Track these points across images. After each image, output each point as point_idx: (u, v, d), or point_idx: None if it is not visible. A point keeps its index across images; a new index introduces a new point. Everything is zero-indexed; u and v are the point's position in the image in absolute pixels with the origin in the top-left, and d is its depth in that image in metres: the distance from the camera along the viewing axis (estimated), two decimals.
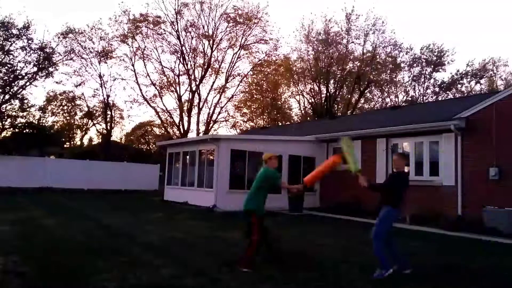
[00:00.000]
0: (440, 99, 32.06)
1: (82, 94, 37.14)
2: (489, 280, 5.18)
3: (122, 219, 10.11)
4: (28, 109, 26.44)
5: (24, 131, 25.28)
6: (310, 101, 33.73)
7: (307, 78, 32.71)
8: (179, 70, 31.67)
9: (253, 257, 5.17)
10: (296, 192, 5.81)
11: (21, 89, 25.65)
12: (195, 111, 32.22)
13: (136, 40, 30.68)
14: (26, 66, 25.33)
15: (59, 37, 28.12)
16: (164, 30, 30.78)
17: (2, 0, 40.15)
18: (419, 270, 5.54)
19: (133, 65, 31.22)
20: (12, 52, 24.38)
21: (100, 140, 36.84)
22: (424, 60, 33.69)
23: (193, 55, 31.49)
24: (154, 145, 37.42)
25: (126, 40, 30.76)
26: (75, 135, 42.51)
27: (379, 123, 14.32)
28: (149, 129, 39.30)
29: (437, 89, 34.75)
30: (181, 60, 31.24)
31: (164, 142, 19.60)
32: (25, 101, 25.64)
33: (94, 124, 36.72)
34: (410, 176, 12.21)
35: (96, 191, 19.98)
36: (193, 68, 31.81)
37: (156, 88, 31.89)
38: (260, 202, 5.36)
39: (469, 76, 34.66)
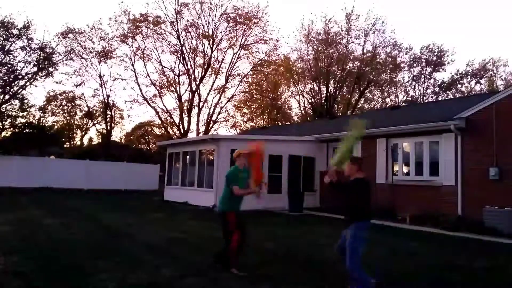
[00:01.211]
0: (440, 99, 32.06)
1: (82, 94, 37.34)
2: (489, 280, 5.18)
3: (122, 219, 10.11)
4: (28, 109, 26.47)
5: (24, 131, 25.28)
6: (310, 101, 33.74)
7: (307, 78, 32.71)
8: (179, 70, 31.73)
9: (237, 255, 4.96)
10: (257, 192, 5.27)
11: (21, 89, 25.67)
12: (195, 111, 32.28)
13: (136, 40, 30.73)
14: (26, 66, 25.36)
15: (59, 37, 28.17)
16: (164, 30, 30.83)
17: (2, 0, 40.21)
18: (419, 270, 5.54)
19: (133, 65, 31.27)
20: (12, 52, 24.40)
21: (100, 140, 36.83)
22: (424, 60, 33.68)
23: (193, 55, 31.52)
24: (154, 145, 37.42)
25: (126, 40, 30.78)
26: (75, 135, 42.52)
27: (379, 123, 14.32)
28: (149, 129, 39.28)
29: (437, 89, 34.75)
30: (181, 60, 31.29)
31: (164, 142, 19.60)
32: (25, 101, 25.67)
33: (94, 124, 36.76)
34: (410, 176, 12.34)
35: (96, 191, 19.97)
36: (193, 68, 31.85)
37: (156, 88, 31.93)
38: (233, 201, 5.11)
39: (469, 76, 34.65)
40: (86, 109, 35.61)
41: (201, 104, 32.34)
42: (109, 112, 33.60)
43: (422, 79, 34.67)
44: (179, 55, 31.11)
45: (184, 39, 30.82)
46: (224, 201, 5.20)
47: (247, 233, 5.29)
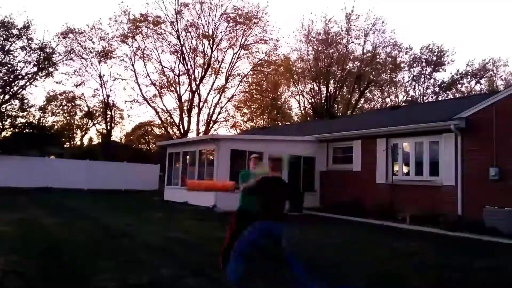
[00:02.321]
0: (440, 99, 32.05)
1: (82, 94, 37.09)
2: (489, 280, 5.18)
3: (122, 219, 10.11)
4: (28, 109, 26.51)
5: (24, 131, 25.29)
6: (310, 101, 33.75)
7: (307, 78, 32.71)
8: (179, 70, 31.72)
9: (225, 252, 4.89)
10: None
11: (21, 89, 25.72)
12: (195, 111, 32.27)
13: (136, 40, 30.71)
14: (26, 66, 25.40)
15: (59, 37, 28.18)
16: (164, 30, 30.82)
17: (2, 0, 40.22)
18: (419, 270, 5.54)
19: (133, 65, 31.26)
20: (12, 52, 24.43)
21: (100, 140, 36.83)
22: (424, 60, 33.70)
23: (193, 55, 31.51)
24: (154, 145, 37.39)
25: (126, 40, 30.77)
26: (75, 135, 42.47)
27: (379, 123, 14.33)
28: (149, 129, 39.26)
29: (437, 89, 34.77)
30: (181, 60, 31.28)
31: (164, 142, 19.60)
32: (25, 101, 25.71)
33: (94, 124, 36.73)
34: (410, 176, 12.34)
35: (96, 191, 19.96)
36: (193, 68, 31.84)
37: (156, 88, 31.92)
38: (242, 202, 5.27)
39: (469, 76, 34.65)
40: (86, 109, 35.62)
41: (201, 104, 32.37)
42: (109, 112, 33.60)
43: (422, 79, 34.69)
44: (179, 55, 31.12)
45: (184, 39, 30.86)
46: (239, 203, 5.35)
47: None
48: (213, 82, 32.36)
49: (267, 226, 4.10)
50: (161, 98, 32.39)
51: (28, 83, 25.82)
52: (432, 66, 33.76)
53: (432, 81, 34.67)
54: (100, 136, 36.13)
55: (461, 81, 34.80)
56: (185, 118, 31.84)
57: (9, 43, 24.15)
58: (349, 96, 33.10)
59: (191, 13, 30.60)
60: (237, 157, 13.65)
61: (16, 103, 25.84)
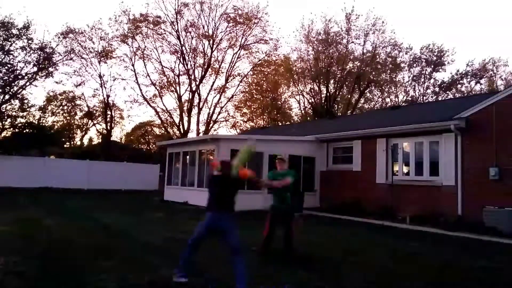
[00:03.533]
0: (440, 99, 32.05)
1: (82, 94, 37.21)
2: (488, 280, 5.18)
3: (122, 219, 10.11)
4: (28, 109, 26.43)
5: (24, 131, 25.25)
6: (310, 101, 33.74)
7: (307, 78, 32.69)
8: (179, 70, 31.73)
9: (263, 248, 6.01)
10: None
11: (21, 89, 25.66)
12: (195, 111, 32.28)
13: (136, 40, 30.71)
14: (26, 66, 25.34)
15: (59, 37, 28.14)
16: (164, 30, 30.83)
17: (2, 0, 40.23)
18: (419, 270, 5.55)
19: (133, 65, 31.25)
20: (12, 52, 24.37)
21: (100, 140, 36.80)
22: (424, 60, 33.68)
23: (193, 55, 31.52)
24: (154, 145, 37.39)
25: (126, 40, 30.76)
26: (75, 135, 42.43)
27: (379, 123, 14.33)
28: (149, 129, 39.27)
29: (437, 89, 34.75)
30: (181, 60, 31.28)
31: (164, 142, 19.60)
32: (25, 101, 25.65)
33: (94, 124, 36.71)
34: (410, 176, 12.35)
35: (96, 191, 19.97)
36: (193, 68, 31.84)
37: (156, 88, 31.93)
38: (273, 200, 6.34)
39: (469, 76, 34.63)
40: (86, 109, 35.59)
41: (201, 104, 32.38)
42: (109, 112, 33.57)
43: (422, 79, 34.68)
44: (179, 55, 31.12)
45: (184, 39, 30.86)
46: None
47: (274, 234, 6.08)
48: (213, 82, 32.43)
49: (213, 216, 4.62)
50: (161, 98, 32.46)
51: (28, 83, 25.79)
52: (432, 66, 33.75)
53: (432, 81, 34.71)
54: (100, 136, 36.11)
55: (461, 81, 34.79)
56: (185, 118, 31.89)
57: (9, 43, 24.11)
58: (349, 96, 33.09)
59: (191, 13, 30.66)
60: None
61: (16, 103, 25.80)
